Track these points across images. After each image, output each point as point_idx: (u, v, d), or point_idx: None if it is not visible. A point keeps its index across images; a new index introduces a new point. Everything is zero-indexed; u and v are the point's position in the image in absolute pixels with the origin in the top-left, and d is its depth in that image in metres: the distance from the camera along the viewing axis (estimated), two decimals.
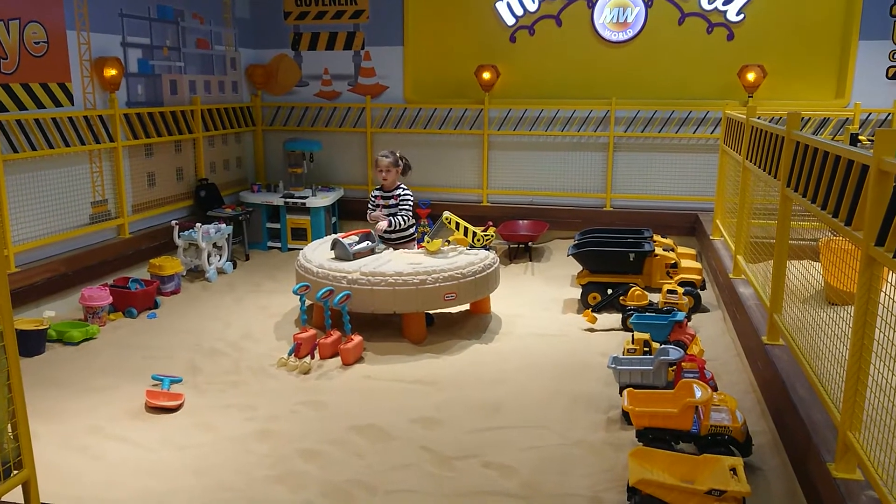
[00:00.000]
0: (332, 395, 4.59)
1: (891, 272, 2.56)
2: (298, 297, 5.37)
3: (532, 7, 8.57)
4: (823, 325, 3.41)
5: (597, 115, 8.60)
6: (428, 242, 5.69)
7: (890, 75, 7.88)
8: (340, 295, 5.17)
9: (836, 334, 3.20)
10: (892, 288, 2.61)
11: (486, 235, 5.87)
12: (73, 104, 6.43)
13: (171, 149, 7.86)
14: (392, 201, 6.04)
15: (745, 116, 5.73)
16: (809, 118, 7.95)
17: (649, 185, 8.60)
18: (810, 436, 3.18)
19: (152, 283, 6.37)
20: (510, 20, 8.67)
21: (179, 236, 7.07)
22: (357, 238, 5.89)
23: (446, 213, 5.85)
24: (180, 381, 4.74)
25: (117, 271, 6.76)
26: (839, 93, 8.04)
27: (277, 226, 8.45)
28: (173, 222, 7.19)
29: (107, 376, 4.87)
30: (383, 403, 4.46)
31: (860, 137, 6.29)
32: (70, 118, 6.33)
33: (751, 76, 7.95)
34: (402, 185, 6.08)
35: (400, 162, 6.02)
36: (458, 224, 5.81)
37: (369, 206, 6.10)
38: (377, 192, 6.11)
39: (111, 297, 5.93)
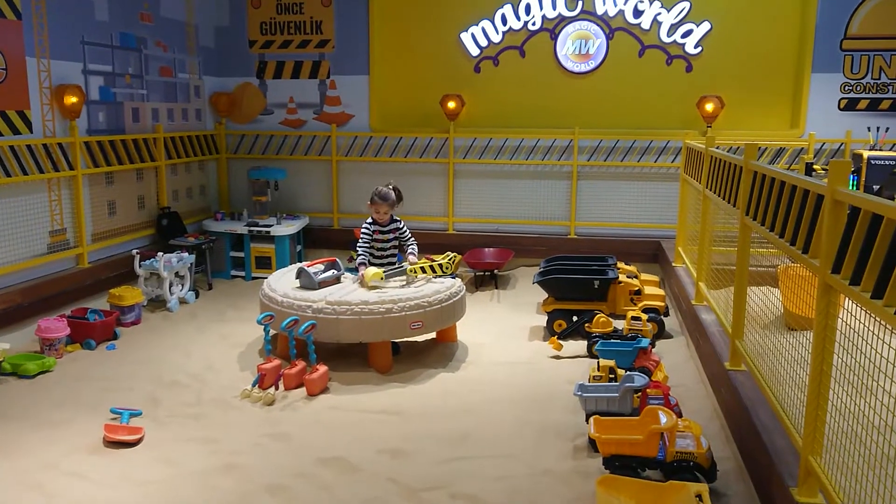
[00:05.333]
0: (297, 426, 4.53)
1: (847, 299, 2.63)
2: (263, 326, 5.31)
3: (496, 38, 8.71)
4: (784, 350, 3.47)
5: (560, 144, 8.73)
6: (368, 274, 5.50)
7: (842, 107, 8.16)
8: (306, 324, 5.13)
9: (795, 360, 3.26)
10: (849, 314, 2.68)
11: (450, 262, 5.87)
12: (31, 132, 6.32)
13: (132, 177, 7.76)
14: (391, 235, 5.94)
15: (704, 146, 5.87)
16: (766, 148, 8.17)
17: (612, 212, 8.73)
18: (773, 461, 3.22)
19: (112, 314, 6.25)
20: (475, 51, 8.79)
21: (140, 266, 6.96)
22: (322, 267, 5.86)
23: (409, 266, 5.71)
24: (140, 414, 4.63)
25: (75, 301, 6.60)
26: (794, 123, 8.29)
27: (241, 254, 8.36)
28: (134, 251, 7.07)
29: (63, 410, 4.74)
30: (349, 435, 4.41)
31: (815, 166, 6.48)
32: (28, 146, 6.21)
33: (709, 107, 8.16)
34: (394, 216, 5.98)
35: (397, 196, 5.88)
36: (422, 268, 5.74)
37: (364, 244, 5.83)
38: (374, 227, 5.88)
39: (69, 329, 5.80)
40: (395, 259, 6.03)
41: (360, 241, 5.88)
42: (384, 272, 5.60)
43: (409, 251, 5.92)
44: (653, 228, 8.58)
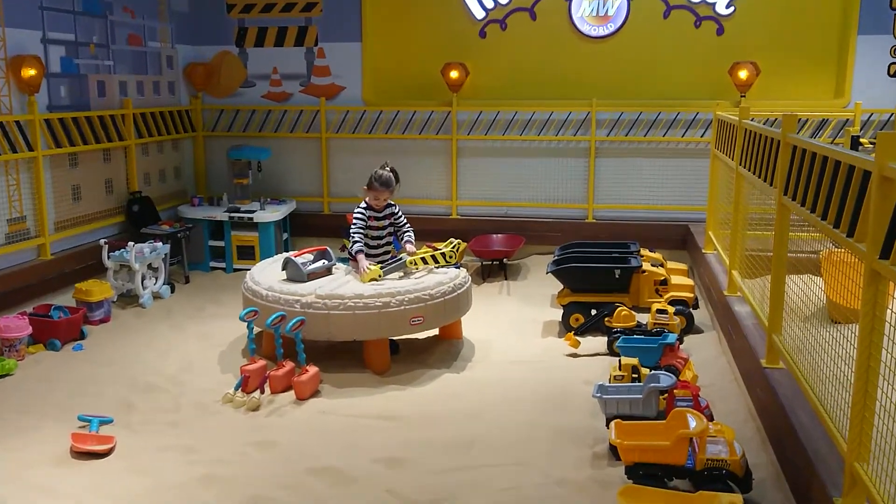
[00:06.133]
0: (285, 433, 4.55)
1: None
2: (245, 323, 5.33)
3: None
4: (826, 345, 3.47)
5: (576, 118, 8.71)
6: (367, 272, 5.52)
7: (892, 73, 8.12)
8: (293, 321, 5.14)
9: (840, 356, 3.26)
10: None
11: (454, 250, 5.86)
12: None
13: (99, 158, 7.77)
14: (386, 221, 5.93)
15: (737, 118, 5.85)
16: (807, 119, 8.14)
17: (635, 194, 8.72)
18: (815, 468, 3.23)
19: (78, 311, 6.27)
20: (480, 13, 8.77)
21: (109, 257, 6.98)
22: (311, 257, 5.87)
23: (409, 258, 5.73)
24: (111, 421, 4.66)
25: (38, 298, 6.64)
26: (838, 92, 8.26)
27: (221, 244, 8.38)
28: (102, 241, 7.09)
29: (26, 417, 4.76)
30: (342, 442, 4.44)
31: (861, 140, 6.46)
32: None
33: (743, 74, 8.13)
34: (390, 202, 5.95)
35: (395, 179, 5.87)
36: (423, 258, 5.76)
37: (359, 230, 5.78)
38: (369, 213, 5.86)
39: (30, 328, 5.82)
40: (391, 247, 6.03)
41: (353, 226, 5.86)
42: (381, 268, 5.59)
43: (405, 240, 5.91)
44: (680, 211, 8.57)
